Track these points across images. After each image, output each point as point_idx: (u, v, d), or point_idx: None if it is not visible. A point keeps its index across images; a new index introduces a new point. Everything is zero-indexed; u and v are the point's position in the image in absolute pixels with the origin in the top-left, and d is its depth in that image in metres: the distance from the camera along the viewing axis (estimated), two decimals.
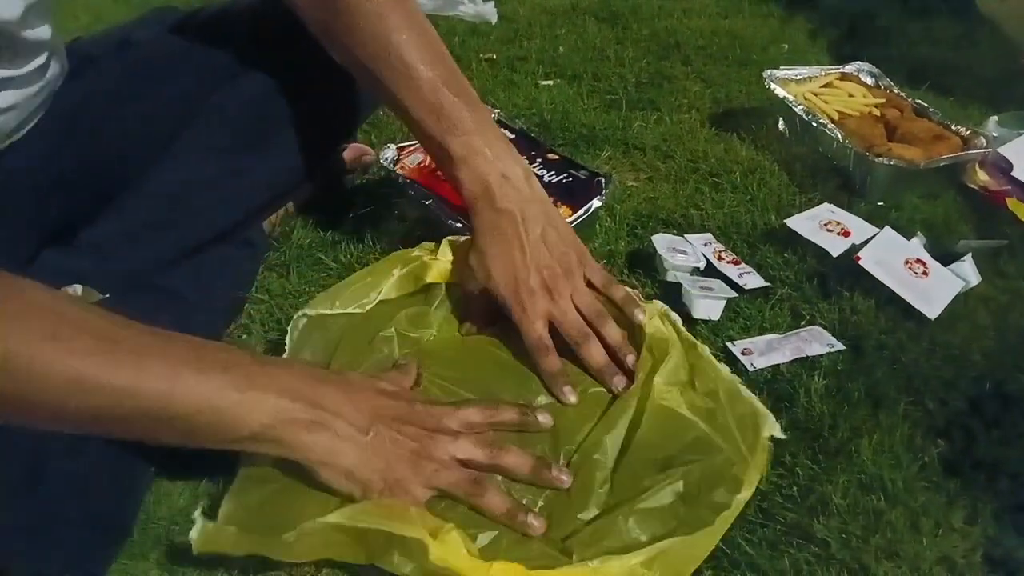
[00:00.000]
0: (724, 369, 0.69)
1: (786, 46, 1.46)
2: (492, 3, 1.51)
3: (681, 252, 0.86)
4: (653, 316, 0.70)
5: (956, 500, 0.63)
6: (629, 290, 0.72)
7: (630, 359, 0.67)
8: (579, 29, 1.51)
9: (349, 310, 0.71)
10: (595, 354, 0.67)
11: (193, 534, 0.54)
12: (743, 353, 0.75)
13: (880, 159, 0.95)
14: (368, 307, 0.72)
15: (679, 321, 0.71)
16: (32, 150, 0.75)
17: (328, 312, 0.71)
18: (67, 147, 0.77)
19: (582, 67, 1.36)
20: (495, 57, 1.40)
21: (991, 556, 0.59)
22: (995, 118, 1.07)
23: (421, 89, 0.69)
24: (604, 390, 0.67)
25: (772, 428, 0.63)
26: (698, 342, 0.70)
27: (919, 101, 1.10)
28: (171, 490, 0.64)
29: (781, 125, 1.13)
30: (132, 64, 0.82)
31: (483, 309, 0.72)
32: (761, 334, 0.79)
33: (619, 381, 0.66)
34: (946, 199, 0.99)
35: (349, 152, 1.05)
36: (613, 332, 0.68)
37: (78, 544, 0.56)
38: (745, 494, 0.59)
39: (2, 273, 0.50)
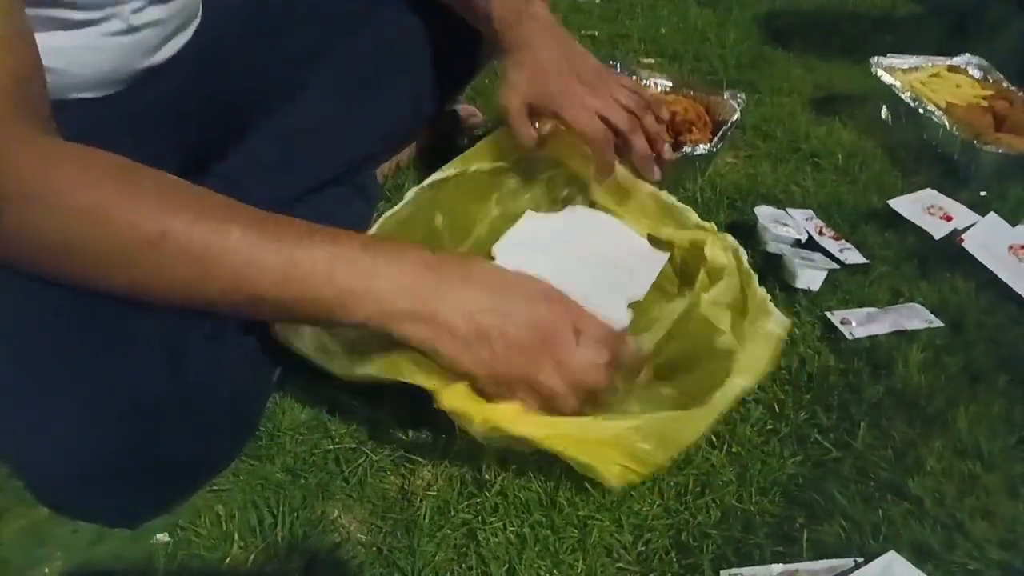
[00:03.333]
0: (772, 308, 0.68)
1: (889, 37, 1.45)
2: None
3: (783, 224, 0.88)
4: (725, 248, 0.73)
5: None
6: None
7: (667, 148, 0.78)
8: (681, 11, 1.52)
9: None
10: (640, 143, 0.75)
11: None
12: (842, 322, 0.77)
13: (988, 147, 0.95)
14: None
15: (744, 257, 0.72)
16: (173, 79, 0.77)
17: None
18: (204, 80, 0.80)
19: (683, 48, 1.38)
20: (597, 35, 1.43)
21: None
22: None
23: None
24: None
25: (777, 324, 0.64)
26: (756, 278, 0.71)
27: None
28: (293, 405, 0.70)
29: (885, 112, 1.13)
30: (266, 4, 0.86)
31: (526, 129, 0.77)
32: (860, 307, 0.81)
33: (656, 172, 0.77)
34: None
35: (460, 112, 1.09)
36: (651, 123, 0.77)
37: (214, 428, 0.60)
38: (739, 380, 0.59)
39: (140, 166, 0.53)
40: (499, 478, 0.63)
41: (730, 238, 0.75)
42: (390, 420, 0.68)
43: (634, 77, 1.09)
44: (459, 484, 0.63)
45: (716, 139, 0.98)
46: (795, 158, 1.06)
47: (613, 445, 0.55)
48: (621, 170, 0.80)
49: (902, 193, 0.96)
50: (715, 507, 0.62)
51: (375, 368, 0.59)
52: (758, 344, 0.64)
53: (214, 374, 0.60)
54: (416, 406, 0.63)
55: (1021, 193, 0.98)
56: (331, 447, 0.66)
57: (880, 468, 0.64)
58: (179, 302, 0.54)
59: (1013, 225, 0.90)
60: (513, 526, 0.60)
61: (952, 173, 1.01)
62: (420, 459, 0.65)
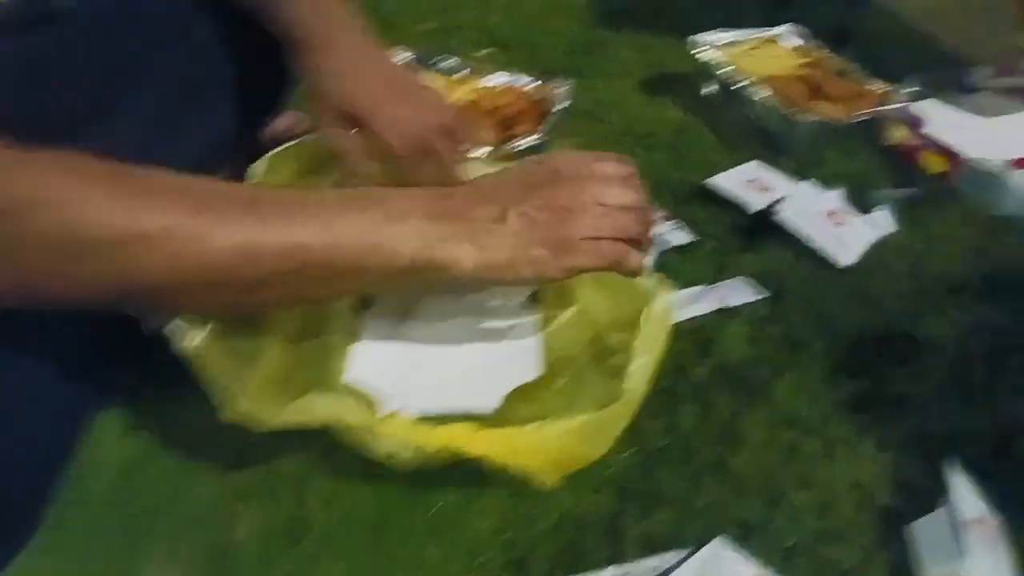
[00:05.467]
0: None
1: (719, 12, 1.48)
2: None
3: None
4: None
5: (867, 431, 0.66)
6: None
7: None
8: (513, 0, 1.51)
9: None
10: (449, 151, 0.73)
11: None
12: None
13: (802, 116, 0.98)
14: None
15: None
16: None
17: None
18: (20, 98, 0.75)
19: (516, 36, 1.37)
20: (428, 28, 1.40)
21: (898, 479, 0.62)
22: (911, 78, 1.11)
23: None
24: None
25: (662, 301, 0.65)
26: None
27: (842, 62, 1.13)
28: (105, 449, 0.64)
29: (711, 88, 1.15)
30: (83, 22, 0.79)
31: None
32: (688, 287, 0.82)
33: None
34: (866, 155, 1.03)
35: (283, 120, 1.04)
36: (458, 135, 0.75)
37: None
38: (638, 361, 0.61)
39: (118, 164, 0.50)
40: (323, 519, 0.60)
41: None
42: (210, 464, 0.63)
43: (465, 72, 1.07)
44: (281, 532, 0.59)
45: (543, 129, 0.97)
46: (627, 140, 1.07)
47: (554, 450, 0.57)
48: None
49: (728, 167, 0.98)
50: (549, 515, 0.61)
51: (299, 413, 0.55)
52: (652, 327, 0.64)
53: None
54: (240, 443, 0.59)
55: (837, 159, 1.02)
56: (143, 499, 0.61)
57: (705, 448, 0.65)
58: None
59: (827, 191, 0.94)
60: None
61: (773, 144, 1.03)
62: (240, 506, 0.61)
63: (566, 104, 1.01)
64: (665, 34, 1.38)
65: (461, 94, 1.02)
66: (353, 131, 0.76)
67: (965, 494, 0.57)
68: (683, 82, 1.20)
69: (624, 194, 0.58)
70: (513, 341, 0.72)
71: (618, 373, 0.65)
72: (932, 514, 0.57)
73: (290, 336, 0.68)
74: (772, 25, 1.24)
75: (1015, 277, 0.84)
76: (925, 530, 0.56)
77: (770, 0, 1.52)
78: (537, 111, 1.02)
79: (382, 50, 0.77)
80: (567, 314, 0.73)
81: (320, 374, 0.66)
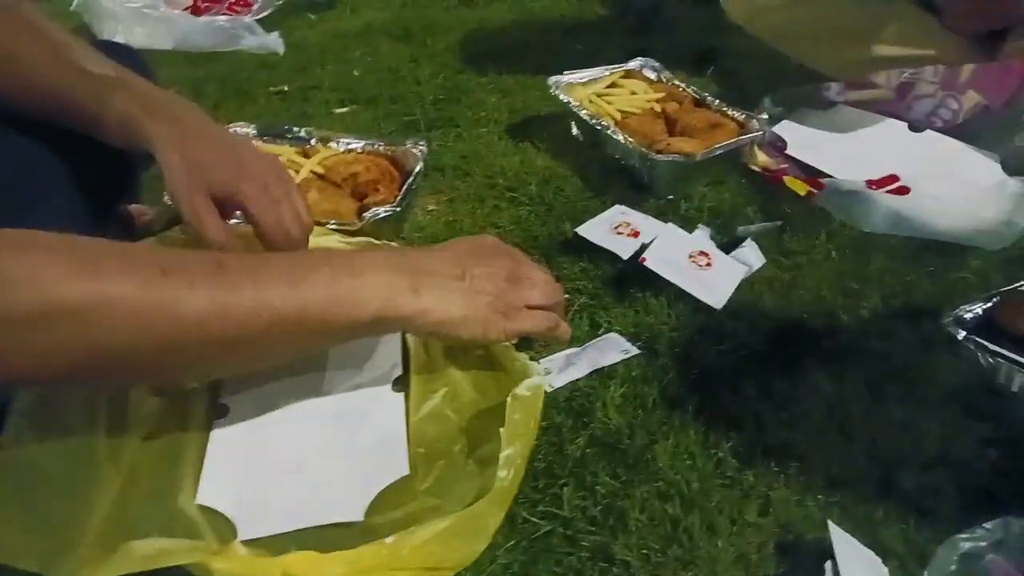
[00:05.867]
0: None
1: (580, 46, 1.48)
2: (276, 33, 1.45)
3: None
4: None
5: (750, 493, 0.64)
6: None
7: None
8: (373, 50, 1.47)
9: None
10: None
11: None
12: (544, 378, 0.74)
13: (660, 156, 0.97)
14: None
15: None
16: None
17: None
18: None
19: (378, 90, 1.33)
20: (287, 89, 1.35)
21: (782, 544, 0.60)
22: (768, 98, 1.11)
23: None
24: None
25: (529, 382, 0.63)
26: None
27: (698, 91, 1.13)
28: None
29: (575, 130, 1.14)
30: None
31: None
32: (562, 349, 0.79)
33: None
34: (732, 184, 1.03)
35: (128, 213, 0.97)
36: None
37: None
38: (508, 450, 0.58)
39: (73, 236, 0.50)
40: None
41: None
42: None
43: (312, 142, 1.02)
44: None
45: (400, 196, 0.93)
46: (492, 195, 1.03)
47: (421, 561, 0.54)
48: None
49: (596, 213, 0.96)
50: None
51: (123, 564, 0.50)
52: (517, 409, 0.62)
53: None
54: None
55: (703, 191, 1.01)
56: None
57: (589, 533, 0.61)
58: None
59: (697, 227, 0.93)
60: None
61: (638, 184, 1.02)
62: None
63: (421, 166, 0.97)
64: (530, 75, 1.36)
65: (310, 166, 0.97)
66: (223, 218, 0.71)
67: (850, 556, 0.55)
68: (549, 124, 1.18)
69: (545, 271, 0.68)
70: (379, 437, 0.67)
71: (491, 462, 0.61)
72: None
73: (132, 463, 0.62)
74: (635, 54, 1.23)
75: (885, 298, 0.84)
76: None
77: (630, 29, 1.54)
78: (394, 175, 0.98)
79: (221, 126, 0.76)
80: (435, 399, 0.69)
81: (168, 496, 0.61)
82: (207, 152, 0.69)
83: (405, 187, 0.94)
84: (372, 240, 0.84)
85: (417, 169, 0.96)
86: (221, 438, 0.66)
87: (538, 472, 0.66)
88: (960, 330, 0.68)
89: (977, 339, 0.67)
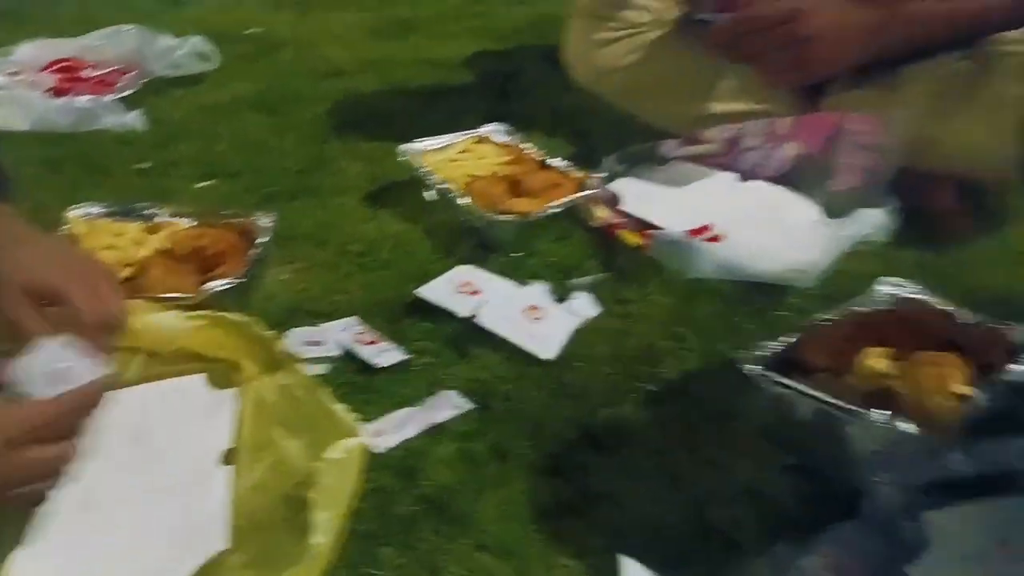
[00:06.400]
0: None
1: (440, 114, 1.52)
2: (140, 111, 1.45)
3: (315, 344, 0.86)
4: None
5: (568, 539, 0.66)
6: None
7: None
8: (238, 124, 1.49)
9: None
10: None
11: None
12: (374, 435, 0.76)
13: (500, 216, 1.01)
14: None
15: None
16: None
17: None
18: None
19: (241, 163, 1.34)
20: (148, 165, 1.35)
21: None
22: (611, 157, 1.18)
23: None
24: None
25: (344, 444, 0.65)
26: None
27: (543, 154, 1.19)
28: None
29: (428, 195, 1.17)
30: None
31: None
32: (400, 408, 0.80)
33: None
34: (575, 240, 1.07)
35: None
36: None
37: None
38: (321, 515, 0.60)
39: None
40: None
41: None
42: None
43: (154, 220, 1.03)
44: None
45: (246, 269, 0.94)
46: (344, 262, 1.05)
47: None
48: None
49: (443, 274, 0.99)
50: None
51: None
52: (330, 473, 0.64)
53: None
54: None
55: (547, 248, 1.05)
56: None
57: None
58: None
59: (545, 282, 0.97)
60: None
61: (485, 244, 1.06)
62: None
63: (270, 236, 0.99)
64: (392, 143, 1.39)
65: (155, 243, 0.97)
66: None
67: None
68: (406, 191, 1.21)
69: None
70: (201, 512, 0.68)
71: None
72: None
73: None
74: (495, 118, 1.29)
75: (708, 341, 0.88)
76: None
77: (492, 93, 1.60)
78: (242, 247, 0.99)
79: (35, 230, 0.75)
80: (260, 470, 0.70)
81: None
82: (29, 258, 0.69)
83: (250, 259, 0.95)
84: (215, 314, 0.85)
85: (264, 240, 0.98)
86: (41, 526, 0.65)
87: (361, 534, 0.67)
88: (755, 366, 0.73)
89: (767, 374, 0.72)
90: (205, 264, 0.96)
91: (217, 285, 0.90)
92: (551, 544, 0.66)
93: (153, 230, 1.01)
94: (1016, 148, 0.97)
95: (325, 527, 0.61)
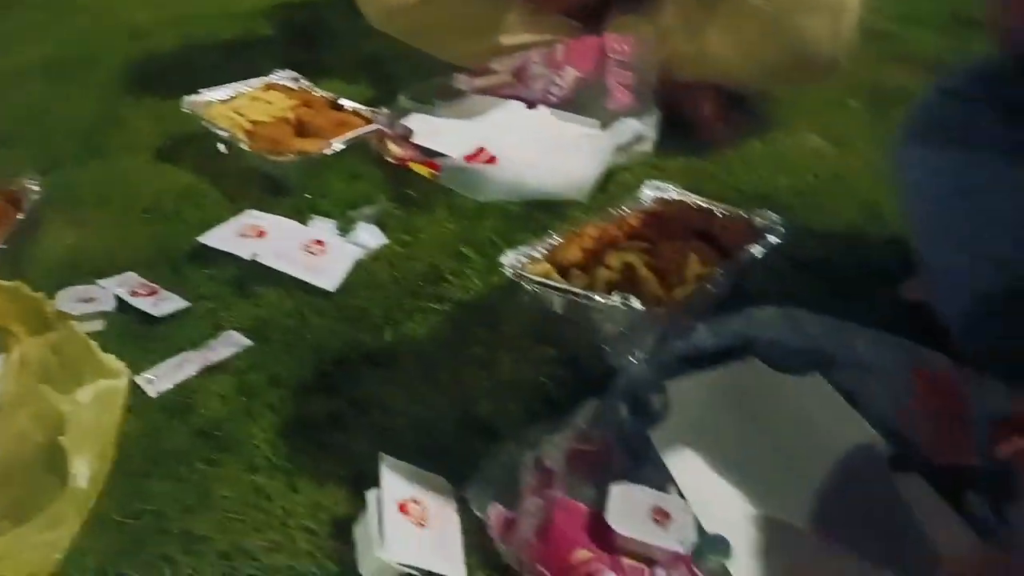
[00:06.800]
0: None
1: (239, 65, 1.48)
2: None
3: (87, 300, 0.84)
4: None
5: (335, 450, 0.69)
6: None
7: None
8: (21, 91, 1.40)
9: None
10: None
11: None
12: (148, 381, 0.76)
13: (283, 157, 1.01)
14: None
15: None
16: None
17: None
18: None
19: (23, 130, 1.27)
20: None
21: (357, 488, 0.65)
22: (402, 94, 1.19)
23: None
24: None
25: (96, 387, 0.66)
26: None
27: (332, 96, 1.19)
28: None
29: (221, 147, 1.15)
30: None
31: None
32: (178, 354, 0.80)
33: None
34: (367, 178, 1.09)
35: None
36: None
37: None
38: (77, 457, 0.61)
39: None
40: None
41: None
42: None
43: None
44: None
45: (12, 234, 0.90)
46: (128, 219, 1.03)
47: None
48: None
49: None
50: None
51: None
52: (90, 413, 0.64)
53: None
54: None
55: (340, 186, 1.06)
56: None
57: (177, 520, 0.63)
58: None
59: (337, 219, 0.98)
60: None
61: (276, 188, 1.05)
62: None
63: (37, 199, 0.95)
64: (180, 96, 1.36)
65: None
66: None
67: (391, 482, 0.61)
68: (196, 145, 1.19)
69: None
70: None
71: None
72: (366, 511, 0.60)
73: None
74: (298, 67, 1.27)
75: (489, 258, 0.92)
76: (361, 532, 0.59)
77: (295, 43, 1.57)
78: (9, 213, 0.95)
79: None
80: (22, 419, 0.69)
81: None
82: None
83: (17, 224, 0.92)
84: None
85: (30, 205, 0.94)
86: None
87: (130, 472, 0.67)
88: (511, 268, 0.77)
89: (525, 274, 0.77)
90: None
91: None
92: (320, 456, 0.68)
93: None
94: (759, 57, 1.05)
95: (82, 469, 0.62)
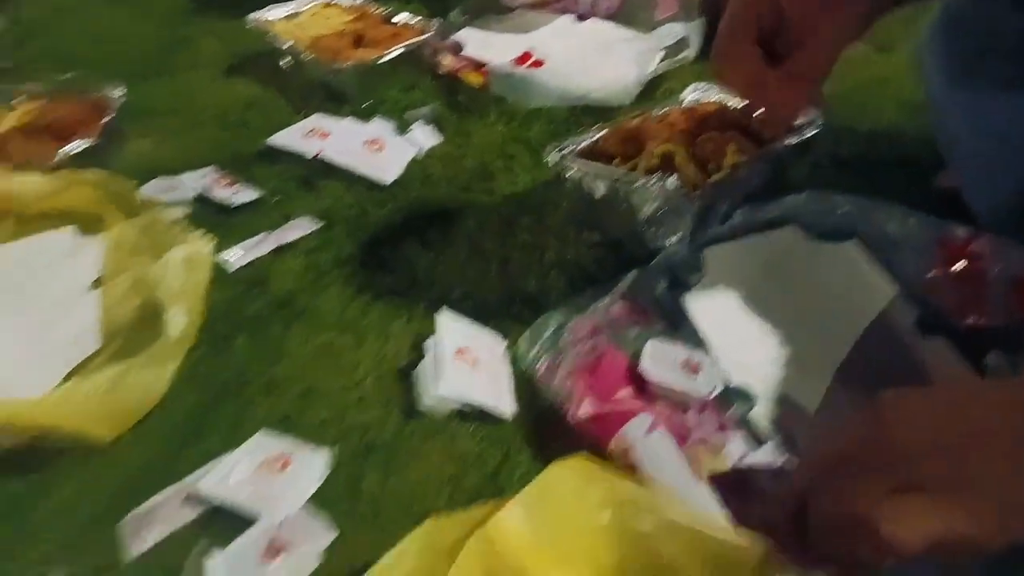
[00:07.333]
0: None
1: None
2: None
3: (172, 190, 0.92)
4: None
5: (398, 313, 0.76)
6: None
7: None
8: (93, 18, 1.49)
9: None
10: None
11: None
12: (227, 260, 0.83)
13: (342, 64, 1.07)
14: None
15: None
16: None
17: None
18: None
19: (97, 53, 1.36)
20: (9, 65, 1.35)
21: (418, 343, 0.72)
22: (456, 9, 1.24)
23: None
24: None
25: (185, 249, 0.74)
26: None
27: (388, 11, 1.24)
28: None
29: (284, 62, 1.21)
30: None
31: None
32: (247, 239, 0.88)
33: None
34: (422, 85, 1.14)
35: None
36: None
37: None
38: (172, 309, 0.69)
39: None
40: None
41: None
42: None
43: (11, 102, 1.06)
44: None
45: (99, 133, 0.99)
46: (199, 126, 1.10)
47: (93, 405, 0.62)
48: None
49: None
50: (117, 468, 0.65)
51: None
52: (182, 272, 0.71)
53: None
54: None
55: (396, 95, 1.12)
56: None
57: (258, 372, 0.71)
58: None
59: (396, 125, 1.04)
60: None
61: (338, 97, 1.12)
62: None
63: (122, 103, 1.03)
64: (242, 18, 1.42)
65: (12, 120, 1.01)
66: None
67: (448, 330, 0.68)
68: (260, 61, 1.25)
69: None
70: (73, 326, 0.75)
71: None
72: (425, 358, 0.67)
73: None
74: None
75: (535, 157, 0.97)
76: (421, 372, 0.66)
77: None
78: (95, 117, 1.03)
79: None
80: (122, 286, 0.77)
81: None
82: None
83: (103, 124, 1.00)
84: (75, 173, 0.90)
85: (117, 109, 1.02)
86: None
87: (216, 332, 0.75)
88: (558, 155, 0.83)
89: (569, 157, 0.82)
90: (61, 134, 1.00)
91: (74, 148, 0.95)
92: (382, 321, 0.75)
93: (10, 110, 1.04)
94: None
95: (175, 321, 0.70)
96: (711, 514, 0.48)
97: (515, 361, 0.70)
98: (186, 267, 0.73)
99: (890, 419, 0.43)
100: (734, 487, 0.55)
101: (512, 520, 0.46)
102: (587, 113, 1.05)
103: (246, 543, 0.54)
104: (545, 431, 0.64)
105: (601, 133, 0.88)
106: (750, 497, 0.55)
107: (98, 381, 0.64)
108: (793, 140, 0.85)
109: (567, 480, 0.48)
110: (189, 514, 0.60)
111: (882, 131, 0.99)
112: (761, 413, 0.65)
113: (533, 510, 0.47)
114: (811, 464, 0.47)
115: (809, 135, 0.86)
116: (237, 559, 0.53)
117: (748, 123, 0.90)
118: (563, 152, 0.84)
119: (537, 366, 0.67)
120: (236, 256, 0.83)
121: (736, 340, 0.69)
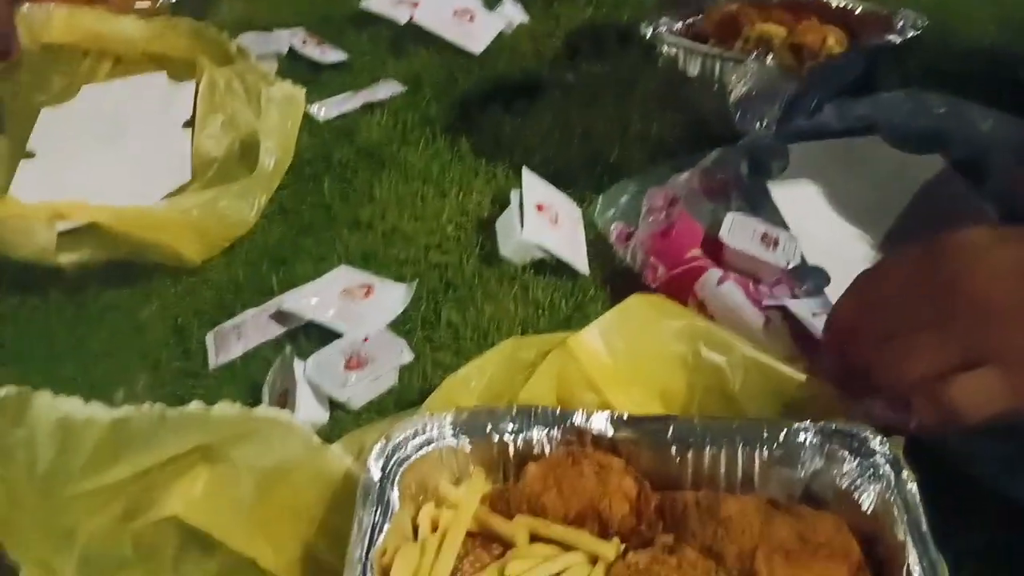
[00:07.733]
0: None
1: None
2: None
3: (263, 44, 0.94)
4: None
5: (479, 172, 0.77)
6: None
7: None
8: None
9: None
10: None
11: None
12: (317, 111, 0.85)
13: None
14: None
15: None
16: None
17: None
18: None
19: None
20: None
21: (498, 199, 0.74)
22: None
23: None
24: None
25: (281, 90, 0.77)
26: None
27: None
28: None
29: None
30: None
31: None
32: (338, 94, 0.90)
33: None
34: None
35: None
36: None
37: None
38: (265, 144, 0.73)
39: None
40: None
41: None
42: None
43: None
44: None
45: None
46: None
47: (190, 220, 0.66)
48: None
49: None
50: (207, 286, 0.69)
51: None
52: (271, 109, 0.75)
53: None
54: None
55: None
56: None
57: (341, 211, 0.74)
58: None
59: None
60: None
61: None
62: None
63: None
64: None
65: None
66: None
67: (531, 186, 0.69)
68: None
69: None
70: (170, 158, 0.79)
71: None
72: (507, 209, 0.68)
73: None
74: None
75: (626, 39, 0.96)
76: (502, 222, 0.68)
77: None
78: None
79: None
80: (215, 124, 0.80)
81: None
82: None
83: None
84: (172, 19, 0.93)
85: None
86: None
87: (307, 176, 0.78)
88: (651, 29, 0.82)
89: (664, 34, 0.81)
90: None
91: None
92: (465, 177, 0.77)
93: None
94: None
95: (268, 153, 0.72)
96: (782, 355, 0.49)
97: (590, 225, 0.71)
98: (279, 107, 0.75)
99: (958, 266, 0.36)
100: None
101: (590, 339, 0.48)
102: (682, 5, 1.03)
103: (333, 351, 0.58)
104: (618, 289, 0.66)
105: (698, 16, 0.87)
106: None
107: (191, 203, 0.68)
108: (893, 38, 0.83)
109: (646, 310, 0.49)
110: (276, 329, 0.64)
111: (981, 45, 0.95)
112: (833, 294, 0.65)
113: (611, 333, 0.48)
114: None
115: (911, 35, 0.83)
116: (325, 361, 0.56)
117: (849, 19, 0.88)
118: (657, 30, 0.84)
119: (612, 228, 0.69)
120: (325, 109, 0.85)
121: (815, 228, 0.69)
